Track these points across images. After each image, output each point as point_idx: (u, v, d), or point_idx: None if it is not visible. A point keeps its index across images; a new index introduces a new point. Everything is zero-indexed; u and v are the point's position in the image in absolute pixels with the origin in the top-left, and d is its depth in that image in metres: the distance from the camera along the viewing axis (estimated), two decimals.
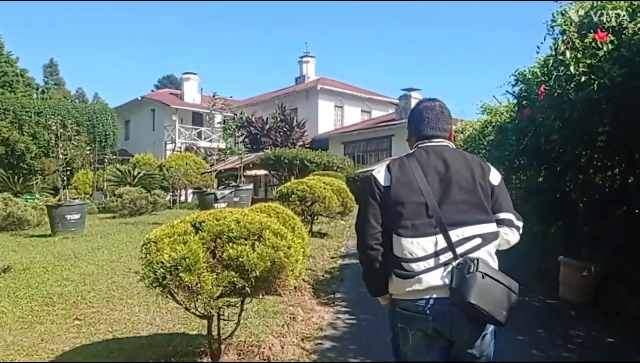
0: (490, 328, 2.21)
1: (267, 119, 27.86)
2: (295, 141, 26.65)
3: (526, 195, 9.35)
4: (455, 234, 2.15)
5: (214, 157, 28.48)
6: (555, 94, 4.75)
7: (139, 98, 37.13)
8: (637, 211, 6.62)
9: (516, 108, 7.56)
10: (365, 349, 4.56)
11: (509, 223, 2.31)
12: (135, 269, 5.79)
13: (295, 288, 6.13)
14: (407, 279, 2.15)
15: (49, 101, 28.84)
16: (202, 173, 20.71)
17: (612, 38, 4.37)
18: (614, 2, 4.60)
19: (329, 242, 9.86)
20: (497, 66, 76.87)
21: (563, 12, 5.10)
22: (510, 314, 2.12)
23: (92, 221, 15.45)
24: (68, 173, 25.38)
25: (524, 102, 6.78)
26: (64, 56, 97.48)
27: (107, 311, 5.35)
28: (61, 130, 13.06)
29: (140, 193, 16.98)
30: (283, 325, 4.88)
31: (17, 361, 4.14)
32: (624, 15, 4.44)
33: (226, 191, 12.46)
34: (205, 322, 3.78)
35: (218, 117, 28.34)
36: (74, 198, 13.67)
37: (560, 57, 4.61)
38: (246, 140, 27.77)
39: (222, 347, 3.92)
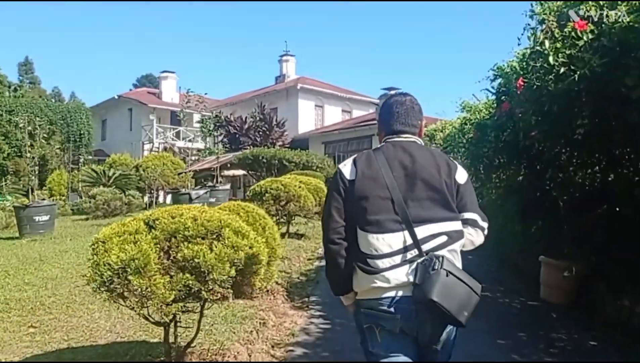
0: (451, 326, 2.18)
1: (246, 118, 27.52)
2: (274, 141, 26.35)
3: (506, 194, 9.23)
4: (421, 231, 2.11)
5: (193, 157, 28.06)
6: (534, 86, 4.57)
7: (116, 97, 36.46)
8: (617, 209, 6.49)
9: (495, 104, 7.41)
10: (338, 356, 4.32)
11: (473, 223, 2.27)
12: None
13: (267, 291, 5.88)
14: (372, 274, 2.11)
15: (22, 99, 28.08)
16: (179, 173, 20.28)
17: (592, 27, 4.20)
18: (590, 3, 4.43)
19: (306, 243, 9.60)
20: (478, 65, 77.28)
21: (542, 1, 4.93)
22: (470, 315, 2.06)
23: (64, 222, 15.03)
24: (41, 173, 24.89)
25: (503, 97, 6.61)
26: (39, 54, 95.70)
27: (66, 318, 5.03)
28: (29, 128, 12.57)
29: (114, 194, 16.58)
30: (252, 331, 4.60)
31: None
32: (604, 4, 4.27)
33: (201, 191, 12.13)
34: (162, 328, 3.50)
35: (197, 117, 27.97)
36: (42, 199, 13.17)
37: (539, 48, 4.43)
38: (225, 140, 27.39)
39: (183, 356, 3.65)
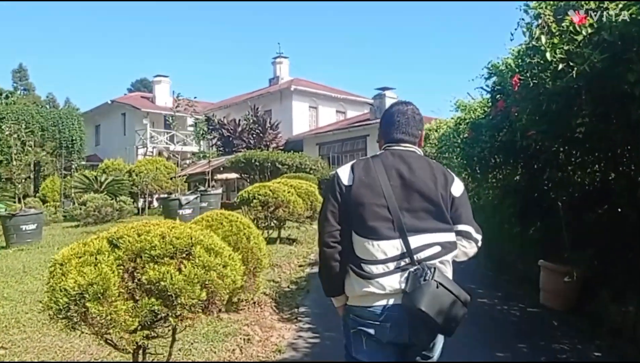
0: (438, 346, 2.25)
1: (239, 121, 27.22)
2: (268, 143, 26.05)
3: (502, 194, 8.98)
4: (415, 240, 2.14)
5: (187, 161, 27.73)
6: (531, 84, 4.30)
7: (109, 102, 36.07)
8: (619, 210, 6.23)
9: (490, 103, 7.15)
10: None
11: (467, 235, 2.30)
12: None
13: (254, 303, 5.61)
14: (365, 279, 2.14)
15: (13, 106, 27.73)
16: (171, 178, 19.97)
17: (592, 21, 3.93)
18: None
19: (297, 249, 9.31)
20: (472, 63, 77.14)
21: None
22: (457, 326, 2.10)
23: (54, 230, 14.74)
24: (35, 180, 24.54)
25: (498, 96, 6.35)
26: (33, 60, 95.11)
27: (39, 337, 4.75)
28: (15, 136, 12.27)
29: (105, 200, 16.27)
30: (234, 350, 4.32)
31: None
32: None
33: (191, 197, 11.82)
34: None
35: (190, 120, 27.64)
36: (30, 208, 12.87)
37: (535, 44, 4.17)
38: (218, 143, 27.08)
39: None
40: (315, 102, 32.14)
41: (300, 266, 8.16)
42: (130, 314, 2.59)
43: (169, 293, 2.64)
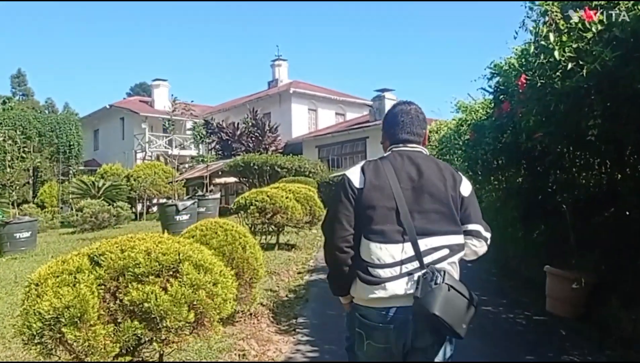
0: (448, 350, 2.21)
1: (238, 124, 27.04)
2: (267, 146, 25.85)
3: (505, 197, 8.78)
4: (424, 243, 2.13)
5: (186, 165, 27.54)
6: (538, 84, 4.10)
7: (108, 106, 35.91)
8: (627, 212, 6.03)
9: (492, 104, 6.96)
10: None
11: (477, 234, 2.30)
12: None
13: (251, 314, 5.40)
14: (372, 285, 2.12)
15: (10, 112, 27.55)
16: (169, 182, 19.78)
17: (602, 17, 3.73)
18: None
19: (296, 255, 9.07)
20: (471, 63, 76.97)
21: None
22: (468, 327, 2.10)
23: (50, 237, 14.55)
24: (34, 185, 24.30)
25: (501, 96, 6.17)
26: (32, 66, 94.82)
27: (23, 355, 4.52)
28: (9, 142, 12.08)
29: (102, 205, 16.07)
30: None
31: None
32: None
33: (188, 202, 11.57)
34: None
35: (189, 124, 27.41)
36: (24, 215, 12.68)
37: (543, 42, 3.97)
38: (217, 146, 26.89)
39: None
40: (315, 104, 31.99)
41: (299, 273, 7.95)
42: (111, 339, 2.39)
43: (153, 316, 2.44)
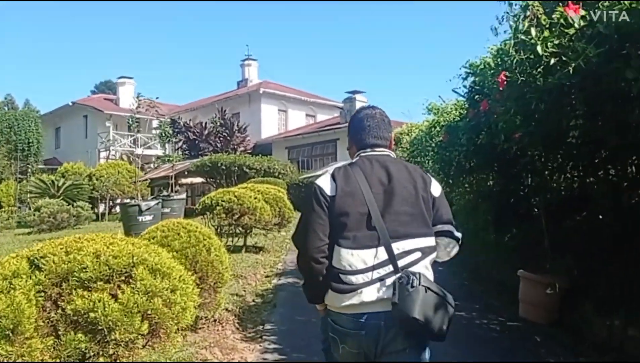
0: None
1: (206, 124, 26.55)
2: (236, 147, 25.43)
3: (477, 200, 8.70)
4: (397, 247, 2.11)
5: (151, 164, 26.93)
6: (519, 82, 3.94)
7: (70, 104, 34.91)
8: (600, 216, 5.96)
9: (467, 105, 6.82)
10: None
11: (449, 234, 2.29)
12: None
13: (215, 320, 5.11)
14: (344, 293, 2.11)
15: None
16: (133, 182, 19.21)
17: (585, 13, 3.59)
18: None
19: (264, 257, 8.77)
20: (442, 66, 77.74)
21: None
22: (449, 327, 2.09)
23: (4, 238, 13.91)
24: None
25: (477, 96, 6.02)
26: None
27: None
28: None
29: (61, 205, 15.46)
30: None
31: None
32: None
33: (152, 203, 11.14)
34: None
35: (155, 123, 26.76)
36: None
37: (524, 38, 3.80)
38: (184, 146, 26.35)
39: None
40: (285, 105, 31.72)
41: (267, 276, 7.66)
42: (50, 354, 2.09)
43: (100, 327, 2.15)
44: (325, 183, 2.23)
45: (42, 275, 2.26)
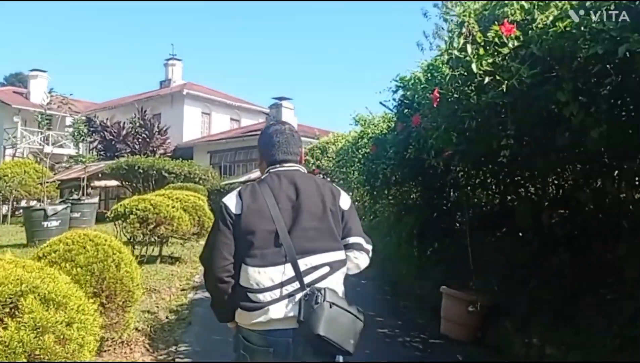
0: (340, 357, 2.19)
1: (124, 124, 25.36)
2: (155, 149, 24.45)
3: (400, 213, 8.72)
4: (304, 263, 2.12)
5: (63, 164, 25.37)
6: (451, 99, 3.87)
7: None
8: (520, 234, 6.07)
9: (395, 118, 6.78)
10: None
11: (358, 247, 2.32)
12: None
13: (122, 342, 4.69)
14: (252, 311, 2.10)
15: None
16: (40, 183, 17.91)
17: (519, 33, 3.57)
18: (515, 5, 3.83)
19: (181, 269, 8.31)
20: (372, 77, 79.09)
21: (458, 2, 4.29)
22: (357, 342, 2.11)
23: None
24: None
25: (406, 110, 5.97)
26: None
27: None
28: None
29: None
30: None
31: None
32: (532, 6, 3.68)
33: (60, 207, 10.33)
34: None
35: (69, 120, 25.24)
36: None
37: (459, 54, 3.73)
38: (99, 146, 25.02)
39: None
40: (209, 108, 30.97)
41: (182, 290, 7.23)
42: None
43: None
44: (231, 201, 2.23)
45: None
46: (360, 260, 2.35)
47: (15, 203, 19.61)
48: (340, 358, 2.20)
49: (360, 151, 9.02)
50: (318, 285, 2.10)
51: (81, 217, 11.84)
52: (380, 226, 10.68)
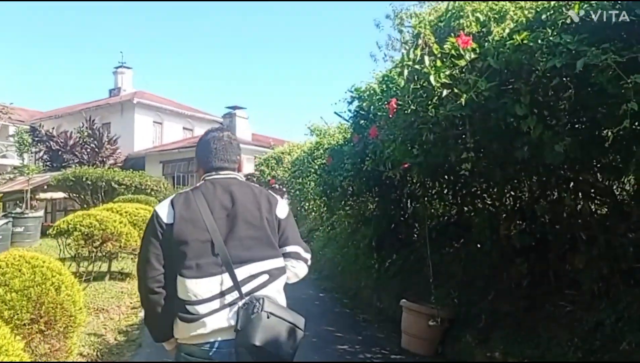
0: None
1: (71, 133, 24.44)
2: (105, 159, 23.61)
3: (357, 223, 8.66)
4: (242, 272, 2.09)
5: (6, 176, 24.25)
6: (408, 110, 3.79)
7: None
8: (478, 245, 6.06)
9: (351, 129, 6.70)
10: None
11: (296, 256, 2.30)
12: None
13: None
14: (192, 322, 2.05)
15: None
16: None
17: (475, 45, 3.53)
18: (474, 4, 3.79)
19: (130, 286, 7.93)
20: (327, 87, 79.25)
21: (413, 14, 4.23)
22: (296, 351, 2.09)
23: None
24: None
25: (362, 121, 5.90)
26: None
27: None
28: None
29: None
30: None
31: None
32: (487, 19, 3.65)
33: (0, 222, 9.80)
34: None
35: (12, 130, 24.17)
36: None
37: (417, 66, 3.67)
38: (45, 156, 24.01)
39: None
40: (161, 117, 30.29)
41: (133, 308, 6.89)
42: None
43: None
44: (163, 209, 2.17)
45: None
46: (298, 269, 2.32)
47: None
48: None
49: (316, 161, 8.94)
50: (257, 294, 2.08)
51: (25, 232, 11.25)
52: (338, 237, 10.62)
